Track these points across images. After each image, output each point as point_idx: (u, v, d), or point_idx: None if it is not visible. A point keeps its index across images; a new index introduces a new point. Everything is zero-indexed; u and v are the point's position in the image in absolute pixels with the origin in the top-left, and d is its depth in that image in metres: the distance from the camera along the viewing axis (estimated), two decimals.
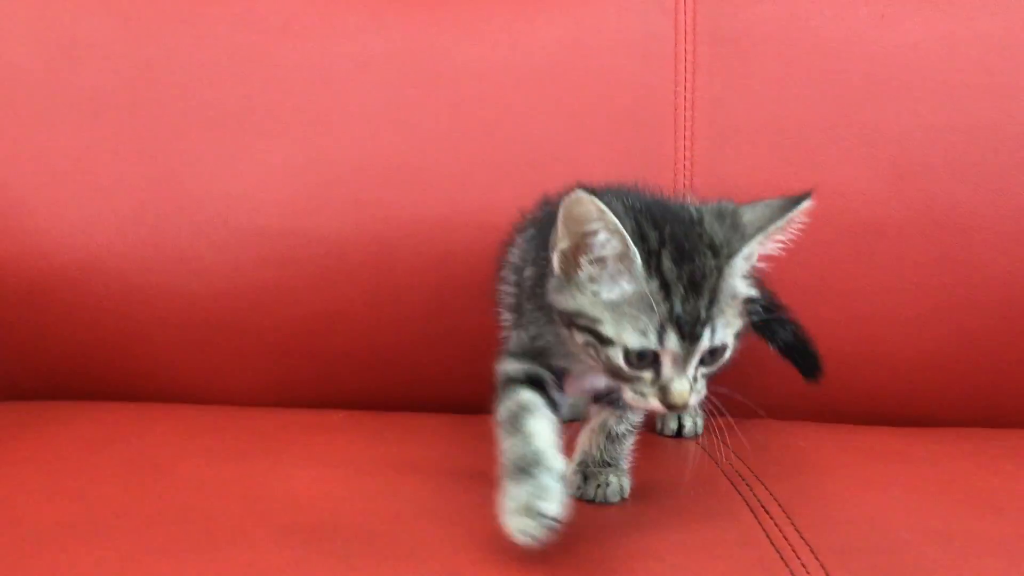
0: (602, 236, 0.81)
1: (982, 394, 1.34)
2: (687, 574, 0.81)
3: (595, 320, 0.82)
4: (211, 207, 1.29)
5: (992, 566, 0.85)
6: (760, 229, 0.84)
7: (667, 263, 0.81)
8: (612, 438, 0.99)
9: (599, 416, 0.99)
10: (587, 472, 0.98)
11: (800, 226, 0.87)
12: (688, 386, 0.82)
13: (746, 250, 0.84)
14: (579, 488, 0.96)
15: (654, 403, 0.83)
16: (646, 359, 0.81)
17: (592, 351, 0.84)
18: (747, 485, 1.03)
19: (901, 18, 1.34)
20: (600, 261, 0.83)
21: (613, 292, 0.82)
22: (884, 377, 1.34)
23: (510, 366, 0.93)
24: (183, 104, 1.30)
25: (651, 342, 0.81)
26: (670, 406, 0.82)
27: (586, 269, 0.83)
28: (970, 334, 1.32)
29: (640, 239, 0.82)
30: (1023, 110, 1.31)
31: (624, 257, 0.81)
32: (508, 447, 0.84)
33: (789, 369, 1.22)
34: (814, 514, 0.94)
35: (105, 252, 1.27)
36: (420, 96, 1.32)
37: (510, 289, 1.02)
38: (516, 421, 0.86)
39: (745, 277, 0.87)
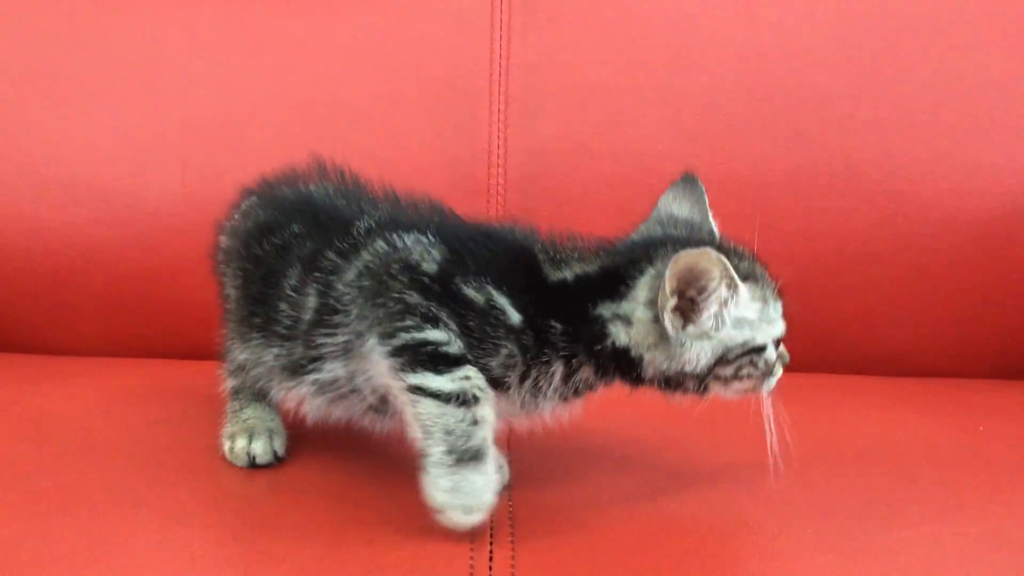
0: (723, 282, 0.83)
1: None
2: None
3: (746, 342, 0.85)
4: (47, 167, 1.38)
5: None
6: None
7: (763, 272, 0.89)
8: None
9: None
10: None
11: None
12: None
13: None
14: None
15: (779, 373, 0.90)
16: (766, 353, 0.87)
17: (747, 372, 0.86)
18: None
19: None
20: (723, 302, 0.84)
21: (739, 312, 0.84)
22: None
23: (444, 335, 0.83)
24: (23, 72, 1.39)
25: (778, 332, 0.88)
26: (786, 362, 0.90)
27: (708, 312, 0.83)
28: None
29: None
30: (815, 73, 1.38)
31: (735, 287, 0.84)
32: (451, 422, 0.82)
33: None
34: None
35: None
36: (244, 65, 1.41)
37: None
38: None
39: None
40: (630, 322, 0.84)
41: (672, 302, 0.82)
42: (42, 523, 0.80)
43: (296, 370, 0.90)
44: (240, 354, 0.96)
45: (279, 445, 0.95)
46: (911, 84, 1.38)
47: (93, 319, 1.39)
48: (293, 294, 0.89)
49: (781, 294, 0.90)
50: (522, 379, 0.85)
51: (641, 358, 0.84)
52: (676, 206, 0.98)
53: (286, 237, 0.92)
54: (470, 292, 0.83)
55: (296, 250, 0.91)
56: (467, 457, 0.80)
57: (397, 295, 0.82)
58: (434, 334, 0.81)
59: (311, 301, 0.88)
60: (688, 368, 0.84)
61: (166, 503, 0.84)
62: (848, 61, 1.39)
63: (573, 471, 0.95)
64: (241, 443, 0.94)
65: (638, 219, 1.37)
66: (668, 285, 0.81)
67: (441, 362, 0.81)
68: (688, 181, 0.99)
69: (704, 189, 0.98)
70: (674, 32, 1.41)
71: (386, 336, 0.82)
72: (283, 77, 1.41)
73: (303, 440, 0.99)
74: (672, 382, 0.86)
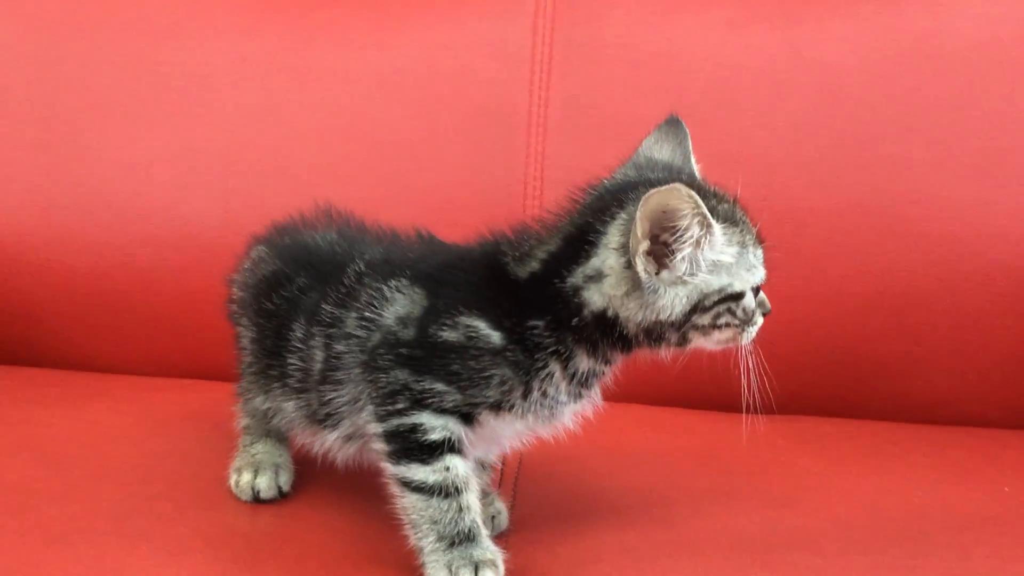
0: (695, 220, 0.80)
1: (813, 384, 1.38)
2: None
3: (723, 288, 0.82)
4: (97, 192, 1.42)
5: None
6: None
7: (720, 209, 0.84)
8: (486, 467, 0.97)
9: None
10: None
11: None
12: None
13: None
14: None
15: (760, 323, 0.88)
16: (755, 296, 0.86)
17: (724, 321, 0.84)
18: None
19: (746, 23, 1.40)
20: (695, 241, 0.81)
21: (713, 254, 0.82)
22: (719, 366, 1.38)
23: (431, 420, 0.84)
24: (76, 99, 1.44)
25: (761, 271, 0.86)
26: (767, 311, 0.89)
27: (682, 254, 0.81)
28: (800, 324, 1.36)
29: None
30: (859, 111, 1.35)
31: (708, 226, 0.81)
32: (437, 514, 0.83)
33: None
34: None
35: (3, 230, 1.42)
36: (288, 95, 1.44)
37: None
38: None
39: None
40: (602, 276, 0.82)
41: (644, 244, 0.80)
42: (41, 553, 0.83)
43: (317, 422, 0.91)
44: (262, 404, 0.98)
45: (284, 481, 0.97)
46: (959, 124, 1.34)
47: (135, 338, 1.43)
48: (301, 347, 0.90)
49: (762, 240, 0.88)
50: (526, 395, 0.84)
51: (617, 316, 0.82)
52: (657, 149, 0.96)
53: (293, 290, 0.93)
54: (447, 335, 0.83)
55: (302, 303, 0.92)
56: (459, 540, 0.81)
57: (385, 375, 0.83)
58: (423, 418, 0.82)
59: (318, 354, 0.89)
60: (664, 316, 0.81)
61: (167, 537, 0.87)
62: (893, 100, 1.36)
63: (574, 521, 0.95)
64: (247, 477, 0.96)
65: None
66: (640, 227, 0.79)
67: (426, 451, 0.82)
68: (672, 124, 0.97)
69: (688, 131, 0.96)
70: (715, 67, 1.40)
71: (379, 418, 0.84)
72: (325, 107, 1.43)
73: (312, 476, 1.00)
74: (652, 334, 0.83)
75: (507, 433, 0.88)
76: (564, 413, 0.88)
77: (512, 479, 1.04)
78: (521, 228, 0.90)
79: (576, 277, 0.83)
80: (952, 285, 1.33)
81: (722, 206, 0.85)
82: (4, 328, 1.44)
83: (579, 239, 0.84)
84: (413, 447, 0.82)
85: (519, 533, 0.93)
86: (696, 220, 0.79)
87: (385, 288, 0.87)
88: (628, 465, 1.10)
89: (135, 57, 1.45)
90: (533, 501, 0.99)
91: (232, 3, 1.47)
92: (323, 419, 0.90)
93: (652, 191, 0.78)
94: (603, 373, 0.88)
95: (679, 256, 0.80)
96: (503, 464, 1.07)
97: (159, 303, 1.42)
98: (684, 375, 1.37)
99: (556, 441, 1.13)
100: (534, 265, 0.85)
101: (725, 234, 0.82)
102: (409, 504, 0.83)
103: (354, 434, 0.89)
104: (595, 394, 0.90)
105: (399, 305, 0.86)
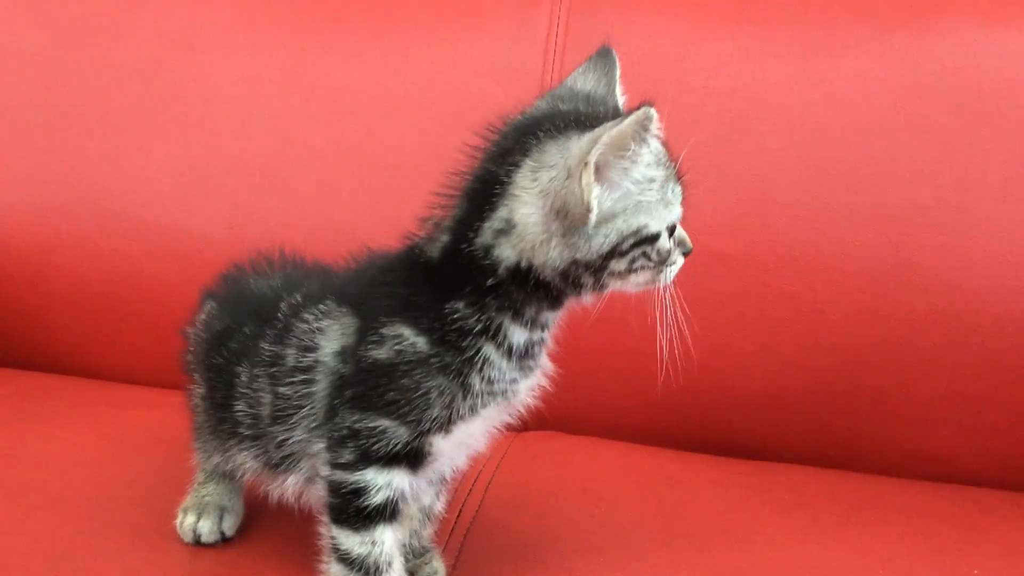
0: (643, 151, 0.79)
1: (813, 430, 1.34)
2: None
3: (640, 229, 0.79)
4: (107, 201, 1.45)
5: None
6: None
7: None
8: (431, 519, 0.96)
9: (420, 501, 0.94)
10: (411, 568, 0.93)
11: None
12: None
13: None
14: None
15: (680, 262, 0.86)
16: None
17: (640, 265, 0.81)
18: None
19: (762, 55, 1.35)
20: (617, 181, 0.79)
21: (633, 196, 0.79)
22: (722, 406, 1.36)
23: (375, 479, 0.83)
24: (88, 108, 1.47)
25: (678, 208, 0.84)
26: (688, 251, 0.86)
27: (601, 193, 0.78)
28: (804, 370, 1.32)
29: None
30: (873, 152, 1.30)
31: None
32: None
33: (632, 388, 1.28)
34: None
35: (15, 235, 1.46)
36: (295, 111, 1.44)
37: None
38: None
39: None
40: (512, 227, 0.78)
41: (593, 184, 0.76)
42: None
43: (274, 467, 0.91)
44: (218, 461, 0.98)
45: (228, 526, 0.98)
46: (977, 171, 1.28)
47: (136, 348, 1.46)
48: (247, 391, 0.90)
49: (681, 176, 0.85)
50: (467, 394, 0.81)
51: (531, 265, 0.79)
52: (582, 80, 0.90)
53: (240, 340, 0.92)
54: (376, 354, 0.81)
55: (247, 350, 0.91)
56: None
57: (338, 420, 0.83)
58: (368, 475, 0.82)
59: (264, 397, 0.89)
60: (581, 255, 0.78)
61: None
62: (912, 142, 1.30)
63: None
64: (190, 519, 0.97)
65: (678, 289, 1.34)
66: (593, 159, 0.75)
67: (361, 519, 0.82)
68: (602, 55, 0.90)
69: (617, 62, 0.90)
70: (728, 99, 1.35)
71: (328, 463, 0.83)
72: (332, 125, 1.43)
73: (263, 520, 1.01)
74: (569, 277, 0.79)
75: (469, 437, 0.86)
76: (519, 392, 0.85)
77: (463, 532, 1.03)
78: (430, 205, 0.87)
79: (485, 236, 0.80)
80: (959, 338, 1.28)
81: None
82: (10, 331, 1.48)
83: (482, 193, 0.81)
84: (351, 511, 0.82)
85: None
86: (645, 152, 0.78)
87: (314, 314, 0.85)
88: (592, 516, 1.08)
89: (146, 69, 1.47)
90: (481, 557, 0.98)
91: (243, 18, 1.47)
92: (279, 463, 0.90)
93: (614, 128, 0.75)
94: (542, 340, 0.85)
95: (618, 192, 0.77)
96: (458, 514, 1.06)
97: (162, 314, 1.44)
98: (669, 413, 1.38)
99: (521, 486, 1.14)
100: (444, 238, 0.82)
101: (650, 168, 0.79)
102: (331, 572, 0.83)
103: (314, 475, 0.88)
104: (544, 361, 0.87)
105: (333, 335, 0.84)
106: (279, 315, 0.89)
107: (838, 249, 1.31)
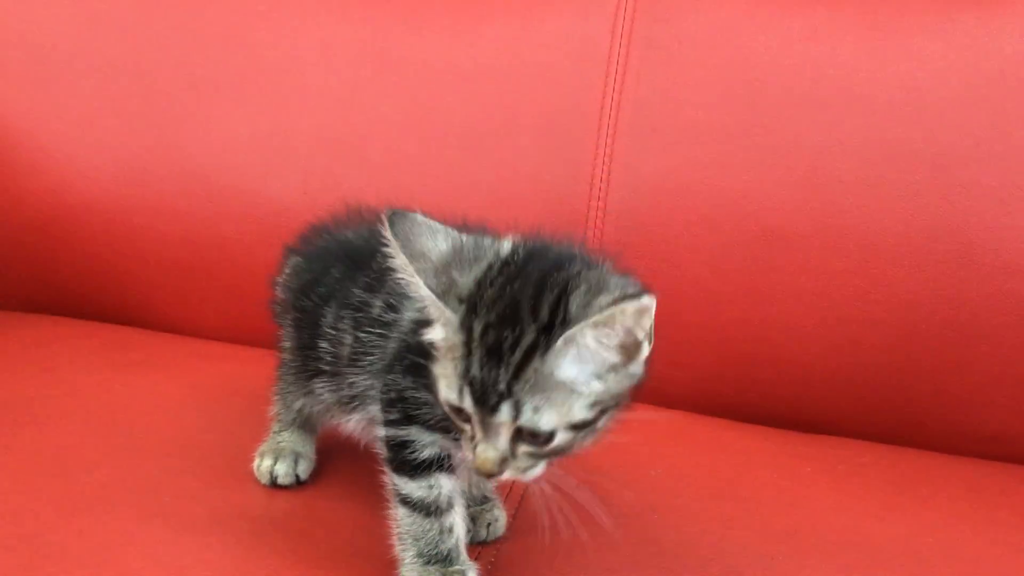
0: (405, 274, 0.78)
1: (871, 406, 1.36)
2: None
3: (432, 359, 0.79)
4: (188, 165, 1.51)
5: None
6: (583, 318, 0.73)
7: (479, 322, 0.75)
8: None
9: None
10: (472, 514, 0.95)
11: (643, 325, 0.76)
12: (495, 456, 0.76)
13: (570, 336, 0.73)
14: (469, 531, 0.92)
15: (471, 458, 0.78)
16: (463, 413, 0.77)
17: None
18: None
19: (830, 33, 1.37)
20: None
21: (438, 334, 0.79)
22: (780, 380, 1.39)
23: (421, 437, 0.86)
24: (177, 75, 1.53)
25: (454, 396, 0.77)
26: (477, 469, 0.77)
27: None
28: (864, 348, 1.34)
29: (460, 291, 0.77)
30: (940, 133, 1.31)
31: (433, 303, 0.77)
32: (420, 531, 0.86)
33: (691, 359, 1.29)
34: None
35: (103, 195, 1.53)
36: (370, 83, 1.49)
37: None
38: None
39: (600, 375, 0.76)
40: None
41: None
42: (62, 520, 0.91)
43: (344, 404, 0.96)
44: (297, 403, 1.04)
45: (303, 470, 1.03)
46: None
47: (214, 305, 1.53)
48: (332, 331, 0.95)
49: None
50: None
51: None
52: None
53: (328, 283, 0.98)
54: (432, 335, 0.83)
55: (335, 292, 0.96)
56: (435, 560, 0.85)
57: (392, 381, 0.87)
58: (413, 433, 0.85)
59: (347, 338, 0.93)
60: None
61: (182, 515, 0.94)
62: (974, 124, 1.30)
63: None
64: (267, 462, 1.02)
65: (735, 265, 1.36)
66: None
67: (416, 468, 0.86)
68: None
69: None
70: (794, 76, 1.37)
71: (382, 422, 0.88)
72: (404, 96, 1.48)
73: (333, 468, 1.07)
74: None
75: None
76: None
77: (523, 486, 1.07)
78: None
79: None
80: (1018, 320, 1.28)
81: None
82: (98, 287, 1.55)
83: None
84: (404, 462, 0.86)
85: (515, 540, 0.97)
86: None
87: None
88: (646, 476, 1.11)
89: (229, 37, 1.53)
90: (538, 510, 1.02)
91: None
92: (348, 401, 0.95)
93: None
94: None
95: None
96: None
97: (238, 274, 1.50)
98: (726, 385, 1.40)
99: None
100: None
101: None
102: (397, 515, 0.87)
103: (374, 420, 0.93)
104: None
105: (412, 305, 0.87)
106: (373, 265, 0.92)
107: (900, 227, 1.32)
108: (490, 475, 0.77)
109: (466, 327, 0.75)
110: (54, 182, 1.54)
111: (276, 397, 1.08)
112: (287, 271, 1.08)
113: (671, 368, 1.42)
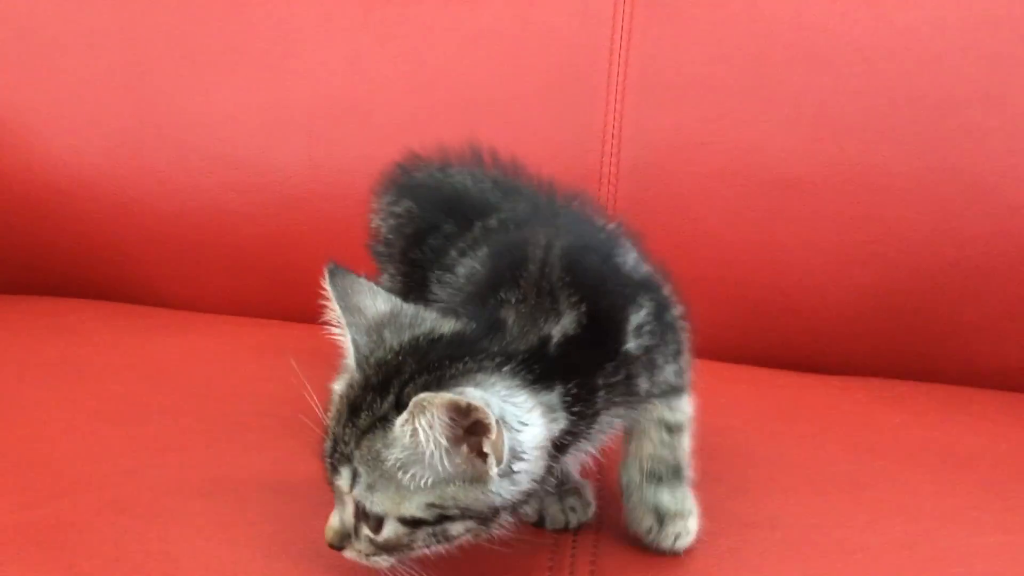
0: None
1: (889, 346, 1.39)
2: None
3: None
4: (185, 135, 1.47)
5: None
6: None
7: (363, 382, 0.72)
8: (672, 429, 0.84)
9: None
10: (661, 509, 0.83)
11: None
12: (336, 526, 0.72)
13: (403, 419, 0.67)
14: (650, 531, 0.82)
15: None
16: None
17: None
18: None
19: None
20: None
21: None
22: (798, 325, 1.40)
23: None
24: (168, 43, 1.48)
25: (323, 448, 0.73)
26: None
27: None
28: (881, 289, 1.37)
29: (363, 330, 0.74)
30: (941, 78, 1.35)
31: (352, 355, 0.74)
32: None
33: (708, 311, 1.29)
34: None
35: (95, 171, 1.47)
36: (372, 48, 1.47)
37: None
38: None
39: (439, 475, 0.69)
40: None
41: None
42: (159, 457, 0.86)
43: None
44: None
45: None
46: None
47: (218, 279, 1.48)
48: (433, 294, 0.87)
49: None
50: None
51: None
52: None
53: (439, 238, 0.90)
54: None
55: (447, 247, 0.89)
56: None
57: None
58: None
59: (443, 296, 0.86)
60: None
61: (278, 448, 0.92)
62: (977, 67, 1.34)
63: None
64: None
65: (749, 215, 1.38)
66: None
67: None
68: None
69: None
70: (799, 28, 1.40)
71: None
72: (408, 61, 1.46)
73: None
74: None
75: None
76: None
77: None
78: None
79: None
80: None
81: None
82: (93, 265, 1.49)
83: None
84: None
85: None
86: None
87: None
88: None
89: (224, 4, 1.49)
90: None
91: None
92: None
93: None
94: None
95: None
96: None
97: (244, 246, 1.47)
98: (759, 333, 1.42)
99: None
100: None
101: None
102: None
103: None
104: None
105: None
106: (476, 228, 0.88)
107: (909, 171, 1.35)
108: (331, 546, 0.72)
109: (350, 382, 0.73)
110: (43, 160, 1.48)
111: None
112: (395, 211, 1.00)
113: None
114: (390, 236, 0.99)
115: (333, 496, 0.73)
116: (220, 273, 1.47)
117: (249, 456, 0.90)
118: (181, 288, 1.49)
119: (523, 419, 0.70)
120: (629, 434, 0.83)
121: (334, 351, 1.21)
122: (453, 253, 0.87)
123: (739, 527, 0.84)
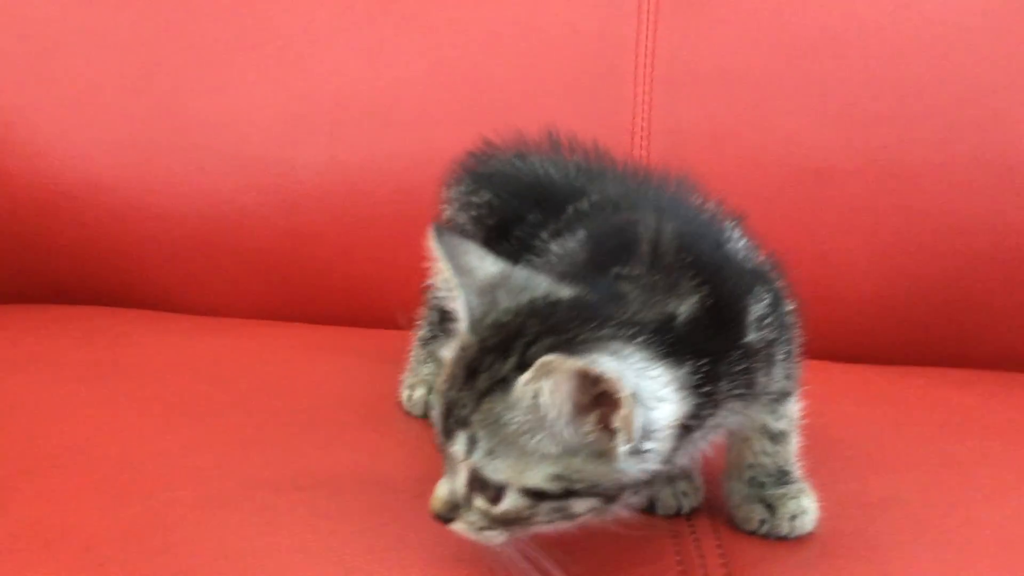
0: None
1: (925, 334, 1.38)
2: None
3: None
4: (199, 135, 1.41)
5: None
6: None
7: (478, 343, 0.67)
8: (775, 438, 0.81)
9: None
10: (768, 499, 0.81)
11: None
12: (444, 495, 0.67)
13: (524, 380, 0.63)
14: (763, 522, 0.80)
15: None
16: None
17: None
18: None
19: None
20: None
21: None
22: (833, 315, 1.39)
23: None
24: (179, 40, 1.42)
25: (433, 412, 0.70)
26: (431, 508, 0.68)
27: None
28: (915, 277, 1.36)
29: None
30: (967, 65, 1.35)
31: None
32: None
33: None
34: None
35: (105, 173, 1.40)
36: (394, 44, 1.42)
37: None
38: None
39: (564, 444, 0.64)
40: None
41: None
42: (241, 451, 0.81)
43: None
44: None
45: None
46: None
47: (236, 282, 1.42)
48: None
49: None
50: None
51: None
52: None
53: (527, 227, 0.86)
54: None
55: (534, 233, 0.84)
56: None
57: None
58: None
59: None
60: None
61: (358, 442, 0.87)
62: (1005, 54, 1.35)
63: None
64: (420, 392, 0.94)
65: (782, 207, 1.37)
66: None
67: None
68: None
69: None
70: (826, 17, 1.39)
71: None
72: (431, 56, 1.42)
73: None
74: None
75: None
76: None
77: None
78: None
79: None
80: None
81: None
82: (106, 271, 1.42)
83: None
84: None
85: None
86: None
87: None
88: None
89: (240, 2, 1.44)
90: None
91: None
92: None
93: None
94: None
95: None
96: None
97: (262, 247, 1.41)
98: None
99: None
100: None
101: None
102: None
103: None
104: None
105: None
106: (563, 216, 0.83)
107: (941, 160, 1.35)
108: (437, 517, 0.68)
109: (463, 344, 0.68)
110: (47, 163, 1.41)
111: (426, 313, 1.00)
112: (474, 201, 0.94)
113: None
114: (468, 227, 0.94)
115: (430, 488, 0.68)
116: (238, 276, 1.41)
117: (332, 450, 0.85)
118: (196, 293, 1.43)
119: (659, 394, 0.66)
120: (730, 444, 0.81)
121: (375, 351, 1.17)
122: (544, 235, 0.83)
123: (858, 508, 0.81)
